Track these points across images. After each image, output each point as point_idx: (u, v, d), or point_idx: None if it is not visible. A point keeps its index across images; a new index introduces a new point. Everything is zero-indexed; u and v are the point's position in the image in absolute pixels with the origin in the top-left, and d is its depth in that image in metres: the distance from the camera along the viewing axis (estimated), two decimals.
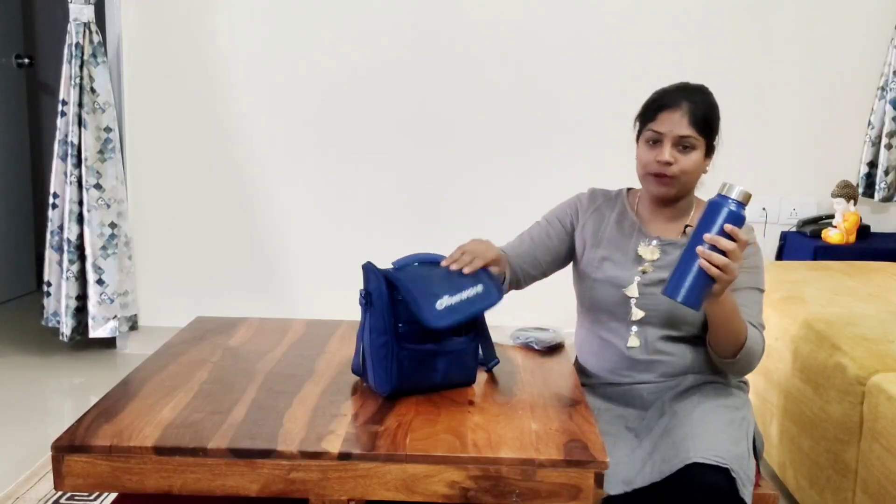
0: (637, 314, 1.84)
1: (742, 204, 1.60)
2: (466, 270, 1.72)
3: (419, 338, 1.67)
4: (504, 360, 1.87)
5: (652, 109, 1.83)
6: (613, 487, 1.63)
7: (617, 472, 1.65)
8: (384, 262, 1.76)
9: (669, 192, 1.84)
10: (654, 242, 1.87)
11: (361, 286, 1.70)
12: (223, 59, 3.46)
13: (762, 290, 1.85)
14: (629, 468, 1.67)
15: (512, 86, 3.45)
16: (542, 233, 1.97)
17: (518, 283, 1.95)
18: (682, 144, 1.79)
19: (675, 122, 1.79)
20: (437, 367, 1.69)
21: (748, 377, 1.98)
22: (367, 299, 1.67)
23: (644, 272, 1.86)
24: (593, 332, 1.93)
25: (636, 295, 1.84)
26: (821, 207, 3.48)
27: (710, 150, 1.84)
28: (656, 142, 1.81)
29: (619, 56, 3.41)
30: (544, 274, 1.98)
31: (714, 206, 1.60)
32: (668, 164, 1.79)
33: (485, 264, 1.75)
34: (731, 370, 1.82)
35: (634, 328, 1.85)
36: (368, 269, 1.68)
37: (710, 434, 1.65)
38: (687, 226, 1.87)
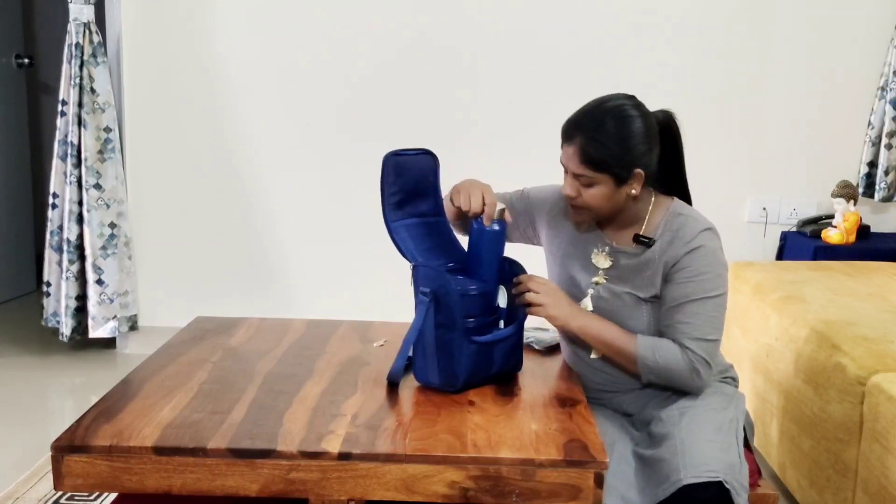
0: None
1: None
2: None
3: (482, 330, 1.71)
4: None
5: (561, 137, 1.78)
6: (612, 500, 1.62)
7: (616, 482, 1.65)
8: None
9: (584, 220, 1.84)
10: (607, 249, 1.85)
11: (414, 287, 1.70)
12: (223, 60, 3.46)
13: (711, 297, 1.74)
14: (627, 484, 1.66)
15: (511, 85, 3.45)
16: (515, 204, 1.99)
17: None
18: (581, 181, 1.75)
19: (570, 158, 1.75)
20: (495, 358, 1.73)
21: (747, 379, 1.98)
22: (430, 297, 1.67)
23: (597, 283, 1.85)
24: (563, 336, 1.93)
25: (590, 307, 1.84)
26: (821, 207, 3.48)
27: (622, 180, 1.73)
28: (566, 171, 1.79)
29: (618, 56, 3.40)
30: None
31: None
32: (572, 197, 1.78)
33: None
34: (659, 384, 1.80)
35: None
36: (425, 269, 1.69)
37: (699, 446, 1.63)
38: (637, 235, 1.81)
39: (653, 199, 1.83)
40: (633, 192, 1.76)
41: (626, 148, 1.71)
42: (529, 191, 2.01)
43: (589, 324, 1.79)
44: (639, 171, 1.74)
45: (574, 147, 1.73)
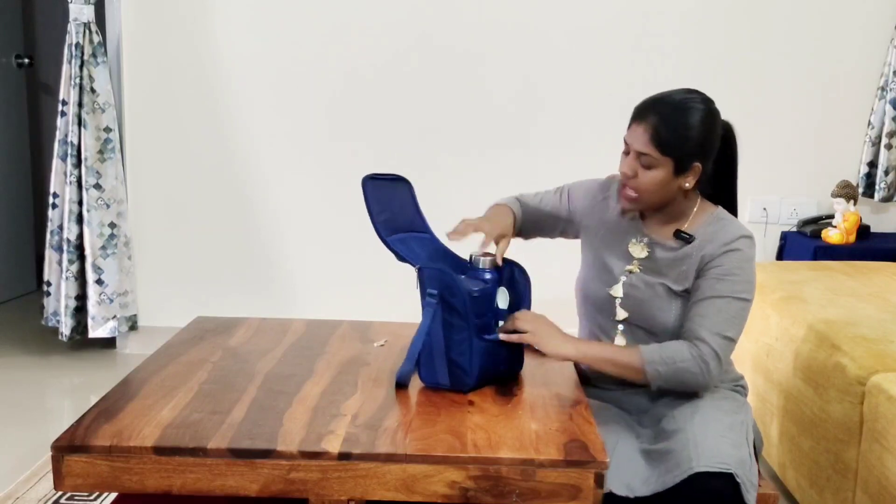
0: (621, 314, 1.85)
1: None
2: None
3: (488, 329, 1.72)
4: None
5: (631, 117, 1.80)
6: (616, 487, 1.62)
7: (619, 473, 1.64)
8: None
9: (631, 208, 1.85)
10: (645, 240, 1.87)
11: (421, 289, 1.70)
12: (223, 60, 3.46)
13: (738, 298, 1.75)
14: (631, 473, 1.66)
15: (510, 83, 3.45)
16: (551, 203, 2.02)
17: (521, 235, 2.03)
18: (642, 161, 1.77)
19: (638, 137, 1.76)
20: (501, 356, 1.75)
21: (747, 379, 1.98)
22: (438, 299, 1.67)
23: (631, 272, 1.86)
24: (585, 326, 1.95)
25: (620, 295, 1.85)
26: (821, 207, 3.48)
27: (682, 169, 1.76)
28: (627, 152, 1.80)
29: (617, 55, 3.40)
30: (543, 235, 2.05)
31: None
32: (628, 176, 1.79)
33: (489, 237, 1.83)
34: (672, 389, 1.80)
35: (620, 327, 1.86)
36: (431, 270, 1.69)
37: (711, 440, 1.64)
38: (678, 230, 1.83)
39: (698, 201, 1.86)
40: (687, 185, 1.79)
41: (692, 138, 1.75)
42: (570, 186, 2.03)
43: (587, 347, 1.81)
44: (698, 164, 1.77)
45: (645, 126, 1.75)
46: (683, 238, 1.83)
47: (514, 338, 1.74)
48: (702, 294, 1.77)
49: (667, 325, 1.81)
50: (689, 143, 1.74)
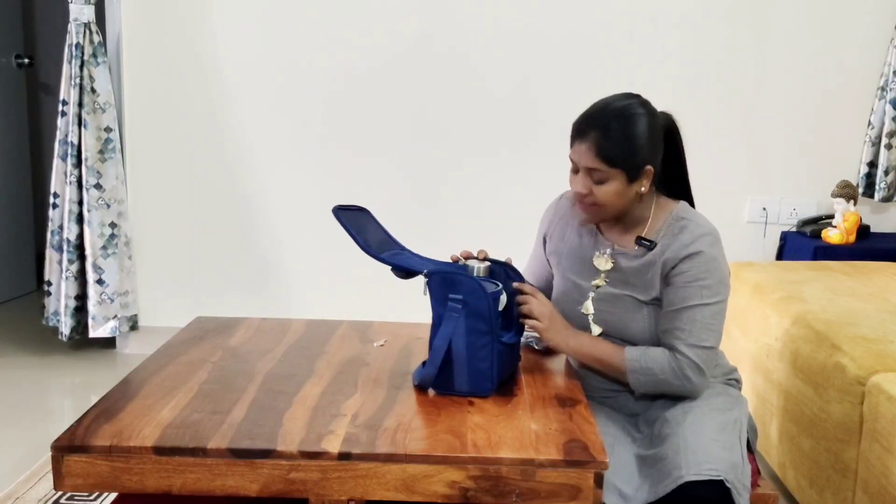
0: (596, 329, 1.85)
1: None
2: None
3: (501, 332, 1.72)
4: None
5: (571, 135, 1.78)
6: (610, 498, 1.62)
7: (614, 479, 1.65)
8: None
9: (594, 220, 1.85)
10: (608, 252, 1.86)
11: (432, 295, 1.70)
12: (223, 60, 3.46)
13: (708, 304, 1.74)
14: (625, 480, 1.67)
15: (507, 84, 3.45)
16: (534, 259, 2.05)
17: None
18: (593, 177, 1.75)
19: (584, 154, 1.74)
20: (506, 359, 1.75)
21: (747, 379, 1.98)
22: (463, 304, 1.66)
23: (598, 286, 1.85)
24: None
25: (591, 311, 1.85)
26: (821, 207, 3.48)
27: (635, 176, 1.74)
28: (576, 171, 1.79)
29: (619, 56, 3.40)
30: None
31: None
32: (583, 194, 1.78)
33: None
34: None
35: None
36: (446, 276, 1.68)
37: (702, 444, 1.63)
38: (639, 237, 1.82)
39: (655, 201, 1.84)
40: (643, 189, 1.77)
41: (638, 145, 1.73)
42: (538, 233, 2.03)
43: (581, 344, 1.82)
44: (649, 167, 1.76)
45: (588, 143, 1.73)
46: (645, 245, 1.80)
47: (529, 324, 1.77)
48: (671, 304, 1.77)
49: (643, 335, 1.81)
50: (635, 150, 1.73)
